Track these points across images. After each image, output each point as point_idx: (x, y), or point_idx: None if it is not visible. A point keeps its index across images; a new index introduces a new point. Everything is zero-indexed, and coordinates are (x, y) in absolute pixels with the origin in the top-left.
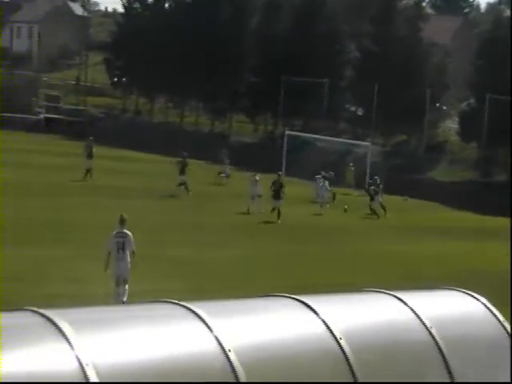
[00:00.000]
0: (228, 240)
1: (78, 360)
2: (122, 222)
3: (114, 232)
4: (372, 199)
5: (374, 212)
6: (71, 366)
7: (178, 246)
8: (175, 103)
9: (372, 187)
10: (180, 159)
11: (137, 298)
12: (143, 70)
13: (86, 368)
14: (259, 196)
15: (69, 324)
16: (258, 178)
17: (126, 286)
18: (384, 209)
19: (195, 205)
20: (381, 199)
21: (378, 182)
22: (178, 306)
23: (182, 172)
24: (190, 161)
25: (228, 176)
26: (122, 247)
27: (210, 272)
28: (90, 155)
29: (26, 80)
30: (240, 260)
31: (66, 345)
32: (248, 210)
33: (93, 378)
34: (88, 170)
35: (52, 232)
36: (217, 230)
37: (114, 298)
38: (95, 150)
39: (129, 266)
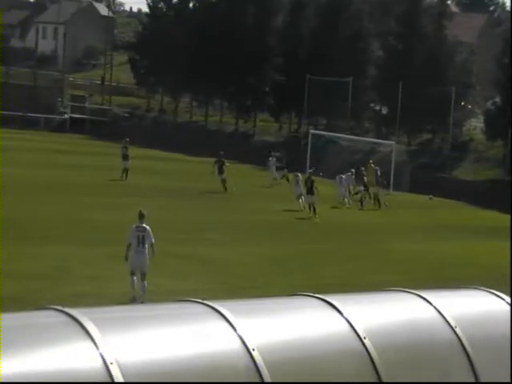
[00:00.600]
0: (255, 238)
1: (103, 359)
2: (141, 217)
3: (134, 226)
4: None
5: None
6: (96, 364)
7: (203, 244)
8: (200, 102)
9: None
10: (217, 159)
11: (162, 297)
12: (168, 70)
13: (111, 367)
14: (301, 195)
15: (93, 323)
16: (301, 177)
17: (145, 282)
18: (378, 202)
19: (222, 204)
20: (384, 194)
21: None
22: (202, 305)
23: (221, 171)
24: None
25: (275, 179)
26: (141, 241)
27: (235, 271)
28: (125, 156)
29: (52, 80)
30: (267, 258)
31: (91, 344)
32: (302, 209)
33: (117, 376)
34: (124, 171)
35: (77, 230)
36: (245, 229)
37: (130, 287)
38: (125, 150)
39: (147, 259)
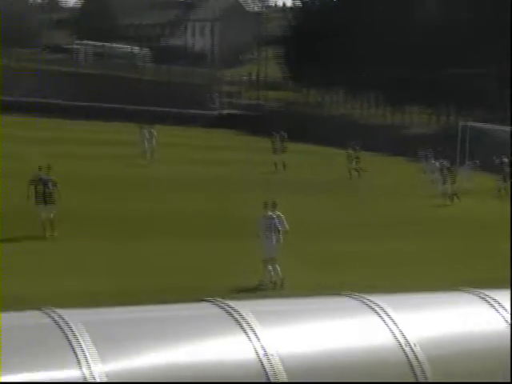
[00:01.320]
0: (403, 233)
1: (264, 350)
2: (274, 205)
3: (264, 214)
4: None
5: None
6: (256, 356)
7: (352, 240)
8: (352, 95)
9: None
10: (351, 149)
11: (308, 291)
12: (320, 63)
13: (272, 359)
14: (441, 184)
15: (254, 315)
16: (438, 166)
17: (277, 266)
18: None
19: (373, 199)
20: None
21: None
22: (359, 299)
23: (356, 162)
24: (366, 153)
25: (430, 173)
26: (271, 229)
27: (384, 265)
28: (278, 150)
29: (204, 77)
30: (418, 253)
31: (252, 335)
32: (450, 201)
33: (279, 368)
34: (278, 164)
35: (229, 225)
36: (391, 224)
37: (265, 277)
38: (277, 144)
39: (277, 246)
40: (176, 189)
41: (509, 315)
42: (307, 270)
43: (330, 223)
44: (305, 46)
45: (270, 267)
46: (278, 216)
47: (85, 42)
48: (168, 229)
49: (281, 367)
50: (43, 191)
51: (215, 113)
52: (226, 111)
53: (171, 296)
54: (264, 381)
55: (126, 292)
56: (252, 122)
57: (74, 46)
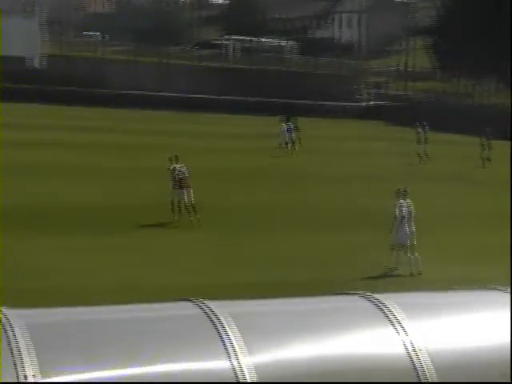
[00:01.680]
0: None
1: (412, 345)
2: (405, 193)
3: (396, 202)
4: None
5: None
6: (405, 351)
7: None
8: (504, 84)
9: None
10: (483, 138)
11: (448, 283)
12: (470, 52)
13: (420, 354)
14: None
15: (400, 308)
16: None
17: (416, 254)
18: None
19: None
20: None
21: None
22: (508, 293)
23: (489, 148)
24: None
25: None
26: (404, 215)
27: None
28: (421, 140)
29: (351, 68)
30: None
31: (399, 329)
32: None
33: (428, 364)
34: (419, 155)
35: (355, 217)
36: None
37: (394, 263)
38: (421, 135)
39: (410, 233)
40: (320, 181)
41: None
42: (446, 260)
43: (470, 214)
44: (454, 35)
45: (409, 255)
46: (409, 203)
47: (233, 37)
48: (308, 220)
49: (430, 363)
50: (179, 178)
51: (363, 104)
52: (373, 102)
53: (301, 288)
54: (413, 376)
55: (266, 284)
56: (400, 113)
57: (223, 42)
